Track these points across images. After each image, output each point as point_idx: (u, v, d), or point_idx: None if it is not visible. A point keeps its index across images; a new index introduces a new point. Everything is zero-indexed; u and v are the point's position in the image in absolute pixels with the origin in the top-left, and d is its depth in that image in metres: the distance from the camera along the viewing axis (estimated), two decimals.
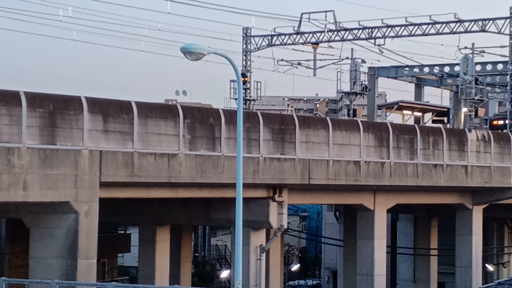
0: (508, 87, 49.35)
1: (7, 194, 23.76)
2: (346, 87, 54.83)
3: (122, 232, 50.10)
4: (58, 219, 25.59)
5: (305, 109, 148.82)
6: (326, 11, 52.80)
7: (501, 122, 51.95)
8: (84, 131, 25.43)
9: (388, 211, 38.63)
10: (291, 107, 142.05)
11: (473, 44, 50.66)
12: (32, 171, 24.16)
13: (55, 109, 24.89)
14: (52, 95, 25.28)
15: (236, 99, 53.74)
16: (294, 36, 54.06)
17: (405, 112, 56.13)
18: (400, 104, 54.80)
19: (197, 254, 62.01)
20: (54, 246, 25.61)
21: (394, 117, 59.69)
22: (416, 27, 50.74)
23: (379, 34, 51.82)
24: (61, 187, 24.86)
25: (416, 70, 56.97)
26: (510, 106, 48.65)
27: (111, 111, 26.37)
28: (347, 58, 54.10)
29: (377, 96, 56.51)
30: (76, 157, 25.19)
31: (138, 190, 28.65)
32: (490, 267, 50.90)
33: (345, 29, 52.66)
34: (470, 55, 49.87)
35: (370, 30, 52.03)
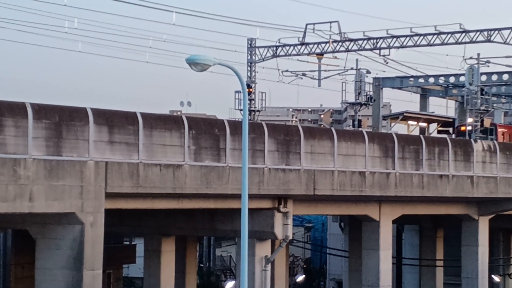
0: None
1: (13, 205, 23.79)
2: (351, 98, 54.86)
3: (127, 243, 50.09)
4: (64, 230, 25.61)
5: (309, 119, 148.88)
6: (330, 22, 52.90)
7: (469, 128, 50.61)
8: (90, 142, 25.49)
9: (394, 221, 38.57)
10: (296, 117, 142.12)
11: (478, 54, 50.68)
12: (38, 182, 24.20)
13: (61, 120, 24.95)
14: (58, 106, 25.34)
15: (241, 110, 53.79)
16: (299, 46, 54.14)
17: (410, 122, 56.13)
18: (405, 114, 54.82)
19: (202, 265, 61.93)
20: (59, 257, 25.63)
21: (399, 128, 59.80)
22: (421, 37, 50.79)
23: (384, 45, 51.88)
24: (67, 198, 24.90)
25: (421, 80, 57.00)
26: None
27: (117, 122, 26.43)
28: (352, 68, 54.15)
29: (382, 107, 56.55)
30: (81, 168, 25.23)
31: (143, 201, 28.67)
32: (496, 278, 50.75)
33: (350, 40, 52.73)
34: (476, 65, 49.86)
35: (375, 40, 52.08)
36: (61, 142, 24.85)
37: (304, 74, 56.13)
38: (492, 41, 48.77)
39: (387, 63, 52.60)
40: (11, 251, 37.99)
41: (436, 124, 57.85)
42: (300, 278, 64.58)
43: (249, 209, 20.10)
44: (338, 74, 55.26)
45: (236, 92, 53.90)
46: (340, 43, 52.89)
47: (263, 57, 55.26)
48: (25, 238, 29.90)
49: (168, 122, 28.13)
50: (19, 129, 23.96)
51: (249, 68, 55.39)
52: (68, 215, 25.23)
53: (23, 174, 23.88)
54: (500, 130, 51.93)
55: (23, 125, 24.04)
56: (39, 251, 26.21)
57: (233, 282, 53.17)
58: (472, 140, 40.20)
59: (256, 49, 55.31)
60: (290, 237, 33.19)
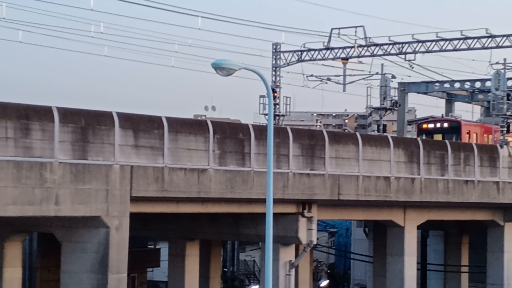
0: None
1: (39, 209, 23.96)
2: (376, 103, 54.68)
3: (152, 247, 50.23)
4: (89, 233, 25.75)
5: (334, 124, 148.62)
6: (356, 27, 52.78)
7: (431, 125, 49.30)
8: (115, 146, 25.61)
9: (419, 227, 38.40)
10: (320, 122, 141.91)
11: (505, 59, 50.31)
12: (64, 186, 24.35)
13: (87, 124, 25.10)
14: (84, 110, 25.50)
15: (265, 114, 53.79)
16: (324, 51, 54.06)
17: None
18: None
19: (225, 269, 61.97)
20: (85, 261, 25.76)
21: None
22: (447, 42, 50.55)
23: (409, 50, 51.69)
24: (93, 201, 25.04)
25: (446, 85, 56.73)
26: None
27: (142, 126, 26.54)
28: (377, 73, 53.98)
29: (407, 112, 56.36)
30: (107, 172, 25.36)
31: (168, 205, 28.75)
32: None
33: (375, 45, 52.59)
34: (502, 70, 49.52)
35: (400, 45, 51.92)
36: (87, 146, 25.00)
37: (329, 79, 56.05)
38: None
39: (412, 68, 52.41)
40: (37, 254, 38.22)
41: None
42: (324, 283, 64.41)
43: (274, 214, 20.10)
44: (363, 79, 55.13)
45: (261, 96, 53.90)
46: (365, 48, 52.77)
47: (288, 61, 55.25)
48: (51, 242, 30.08)
49: (193, 127, 28.21)
50: (46, 133, 24.13)
51: (273, 73, 55.39)
52: (93, 219, 25.37)
53: (50, 178, 24.04)
54: (464, 128, 49.14)
55: (50, 129, 24.21)
56: (65, 254, 26.36)
57: (257, 286, 53.10)
58: (498, 145, 39.94)
59: (281, 54, 55.30)
60: (314, 242, 33.13)
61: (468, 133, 48.61)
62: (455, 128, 48.45)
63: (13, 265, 28.62)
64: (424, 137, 47.15)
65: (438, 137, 47.63)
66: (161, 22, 68.67)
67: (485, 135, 49.37)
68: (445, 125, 48.90)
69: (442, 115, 55.40)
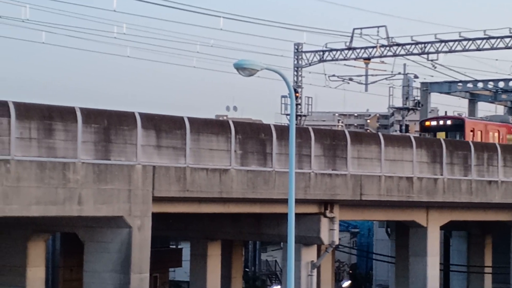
0: None
1: (62, 208, 24.09)
2: (398, 103, 54.55)
3: (174, 246, 50.34)
4: (112, 233, 25.85)
5: (355, 124, 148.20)
6: (378, 27, 52.69)
7: (434, 123, 48.40)
8: (138, 146, 25.69)
9: (441, 227, 38.20)
10: (342, 122, 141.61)
11: None
12: (87, 186, 24.47)
13: (110, 124, 25.21)
14: (107, 111, 25.61)
15: (287, 114, 53.80)
16: (346, 51, 54.00)
17: None
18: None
19: (247, 270, 61.97)
20: (107, 260, 25.86)
21: None
22: (470, 42, 50.31)
23: (432, 49, 51.50)
24: (115, 201, 25.13)
25: (469, 85, 56.44)
26: None
27: (164, 126, 26.61)
28: (399, 73, 53.86)
29: (429, 112, 56.10)
30: (129, 172, 25.45)
31: (190, 205, 28.81)
32: None
33: (398, 44, 52.44)
34: None
35: (423, 45, 51.73)
36: (109, 146, 25.10)
37: (350, 79, 55.97)
38: None
39: (435, 67, 52.21)
40: (59, 254, 38.43)
41: None
42: (346, 283, 64.28)
43: (295, 214, 20.06)
44: (385, 78, 55.02)
45: (283, 97, 53.92)
46: (387, 48, 52.63)
47: (309, 62, 55.22)
48: (74, 241, 30.23)
49: (215, 127, 28.25)
50: (69, 133, 24.26)
51: (295, 73, 55.39)
52: (116, 219, 25.47)
53: (72, 178, 24.16)
54: (468, 126, 47.65)
55: (73, 129, 24.33)
56: (87, 254, 26.48)
57: (279, 287, 53.09)
58: None
59: (303, 54, 55.30)
60: (337, 243, 33.07)
61: (472, 130, 47.44)
62: (458, 125, 47.30)
63: (37, 264, 28.78)
64: (427, 135, 46.62)
65: (441, 134, 46.79)
66: (183, 23, 68.75)
67: (490, 133, 48.50)
68: (448, 122, 47.98)
69: (446, 112, 54.66)
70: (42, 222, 26.94)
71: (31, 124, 23.55)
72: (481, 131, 47.93)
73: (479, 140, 46.55)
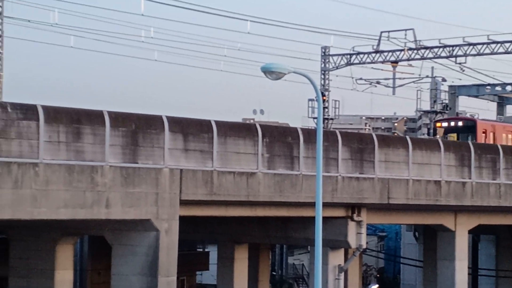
0: None
1: (90, 212, 24.22)
2: (426, 106, 54.29)
3: (201, 250, 50.42)
4: (139, 236, 25.94)
5: (383, 127, 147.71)
6: (406, 30, 52.54)
7: (445, 124, 47.61)
8: (165, 149, 25.77)
9: (470, 231, 37.94)
10: (369, 126, 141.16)
11: None
12: (115, 189, 24.57)
13: (137, 128, 25.31)
14: (134, 114, 25.72)
15: (314, 118, 53.74)
16: (373, 54, 53.86)
17: None
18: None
19: (274, 273, 61.94)
20: (135, 263, 25.95)
21: None
22: (499, 45, 49.97)
23: (460, 52, 51.21)
24: (143, 205, 25.22)
25: (498, 88, 56.06)
26: None
27: (191, 130, 26.67)
28: (427, 76, 53.62)
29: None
30: (157, 175, 25.53)
31: (217, 209, 28.85)
32: None
33: (425, 47, 52.21)
34: None
35: (451, 48, 51.45)
36: (137, 150, 25.20)
37: (378, 82, 55.80)
38: None
39: (463, 71, 51.92)
40: (87, 257, 38.64)
41: None
42: (373, 287, 64.03)
43: (323, 218, 20.01)
44: (413, 82, 54.80)
45: (310, 100, 53.88)
46: (415, 51, 52.42)
47: (337, 65, 55.14)
48: (101, 244, 30.38)
49: (242, 130, 28.27)
50: (97, 137, 24.38)
51: (322, 76, 55.32)
52: (143, 222, 25.55)
53: (100, 181, 24.28)
54: (480, 127, 46.77)
55: (101, 133, 24.46)
56: (115, 257, 26.59)
57: None
58: None
59: (330, 57, 55.22)
60: (364, 246, 32.95)
61: (484, 132, 46.64)
62: (470, 127, 46.58)
63: (65, 267, 28.95)
64: (438, 137, 46.09)
65: (452, 136, 46.22)
66: (211, 27, 68.97)
67: (503, 134, 47.60)
68: (460, 123, 47.24)
69: (457, 113, 53.88)
70: (70, 225, 27.10)
71: (60, 128, 23.71)
72: (494, 133, 47.21)
73: (491, 141, 45.82)
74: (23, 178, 22.82)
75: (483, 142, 45.48)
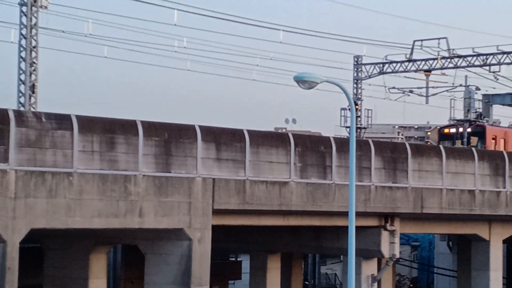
0: None
1: (124, 221, 24.34)
2: (460, 115, 53.87)
3: (233, 259, 50.40)
4: (172, 245, 26.01)
5: (416, 137, 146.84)
6: (439, 38, 52.23)
7: (453, 130, 46.69)
8: (198, 159, 25.85)
9: (504, 241, 37.58)
10: (402, 135, 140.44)
11: None
12: (148, 198, 24.69)
13: (170, 137, 25.42)
14: (167, 124, 25.83)
15: (346, 127, 53.60)
16: (406, 63, 53.64)
17: None
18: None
19: (307, 283, 61.72)
20: (168, 273, 26.02)
21: None
22: None
23: (494, 61, 50.81)
24: (175, 214, 25.30)
25: None
26: None
27: (224, 139, 26.73)
28: (460, 85, 53.25)
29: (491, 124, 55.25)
30: (190, 184, 25.61)
31: (249, 218, 28.85)
32: None
33: (459, 56, 51.89)
34: None
35: (484, 56, 51.08)
36: (170, 159, 25.30)
37: (411, 91, 55.58)
38: None
39: (497, 79, 51.50)
40: (121, 266, 38.78)
41: None
42: None
43: (356, 227, 19.94)
44: (446, 90, 54.48)
45: (342, 109, 53.76)
46: (448, 60, 52.12)
47: (369, 74, 54.99)
48: (134, 253, 30.50)
49: (274, 139, 28.28)
50: (130, 146, 24.53)
51: (355, 85, 55.21)
52: (176, 231, 25.62)
53: (134, 190, 24.41)
54: (490, 133, 45.64)
55: (134, 142, 24.60)
56: (148, 266, 26.68)
57: None
58: None
59: (363, 66, 55.09)
60: (397, 256, 32.77)
61: (494, 138, 45.38)
62: (479, 133, 45.50)
63: (98, 276, 29.10)
64: (445, 143, 45.02)
65: (460, 143, 45.17)
66: (243, 36, 69.07)
67: None
68: (468, 130, 46.37)
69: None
70: (104, 234, 27.25)
71: (93, 137, 23.88)
72: (504, 139, 45.92)
73: (501, 149, 44.57)
74: (57, 187, 23.01)
75: (492, 149, 44.44)
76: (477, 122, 47.94)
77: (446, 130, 47.34)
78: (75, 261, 29.06)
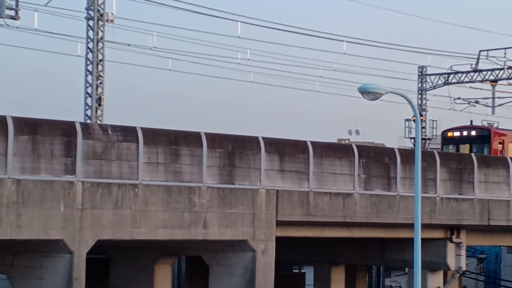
0: None
1: (188, 232, 24.50)
2: None
3: (297, 271, 50.27)
4: (236, 257, 26.08)
5: None
6: (505, 48, 51.44)
7: (457, 133, 44.36)
8: (261, 170, 25.90)
9: None
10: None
11: None
12: (212, 210, 24.82)
13: (234, 149, 25.54)
14: (231, 135, 25.96)
15: (411, 138, 53.12)
16: (472, 73, 52.95)
17: None
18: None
19: None
20: (231, 284, 26.09)
21: None
22: None
23: None
24: (239, 225, 25.37)
25: None
26: None
27: (287, 151, 26.74)
28: None
29: None
30: (253, 196, 25.67)
31: (313, 229, 28.77)
32: None
33: None
34: None
35: None
36: (233, 171, 25.41)
37: (477, 102, 54.79)
38: None
39: None
40: (185, 277, 39.01)
41: None
42: None
43: (421, 239, 19.73)
44: None
45: (406, 120, 53.30)
46: None
47: (434, 84, 54.43)
48: (198, 264, 30.67)
49: (337, 151, 28.18)
50: (194, 158, 24.71)
51: (419, 96, 54.70)
52: (240, 243, 25.69)
53: (198, 202, 24.57)
54: (496, 137, 43.10)
55: (198, 154, 24.78)
56: (212, 277, 26.79)
57: None
58: None
59: (427, 77, 54.56)
60: (464, 268, 32.32)
61: (502, 142, 43.06)
62: (484, 137, 43.32)
63: (163, 287, 29.33)
64: (449, 147, 43.24)
65: (465, 147, 43.30)
66: (306, 48, 69.04)
67: None
68: (473, 133, 43.97)
69: (471, 121, 50.06)
70: (168, 245, 27.46)
71: (158, 149, 24.13)
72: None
73: (508, 154, 42.52)
74: (123, 199, 23.30)
75: (499, 154, 42.71)
76: (483, 125, 45.94)
77: (450, 134, 45.22)
78: (140, 272, 29.35)
